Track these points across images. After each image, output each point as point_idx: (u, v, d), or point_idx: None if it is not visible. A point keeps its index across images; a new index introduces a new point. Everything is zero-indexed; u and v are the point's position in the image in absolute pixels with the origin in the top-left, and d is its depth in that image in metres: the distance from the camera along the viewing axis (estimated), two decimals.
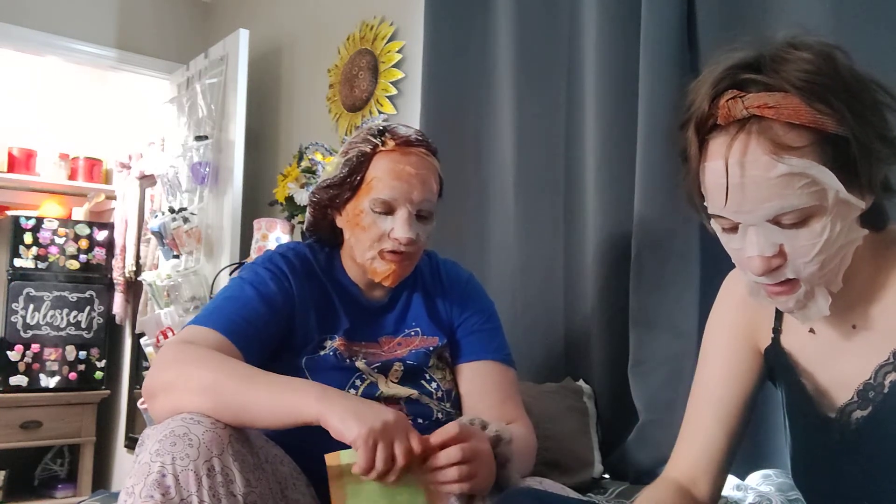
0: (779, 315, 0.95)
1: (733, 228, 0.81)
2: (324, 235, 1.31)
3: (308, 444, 1.03)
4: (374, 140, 1.21)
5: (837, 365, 0.87)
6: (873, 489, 0.81)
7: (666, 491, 0.97)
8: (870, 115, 0.77)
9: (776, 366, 0.95)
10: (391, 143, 1.20)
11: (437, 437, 0.95)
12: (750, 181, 0.76)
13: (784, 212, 0.76)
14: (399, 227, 1.19)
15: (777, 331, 0.95)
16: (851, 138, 0.76)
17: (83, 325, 3.77)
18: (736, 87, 0.79)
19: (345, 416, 0.90)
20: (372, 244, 1.21)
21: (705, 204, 0.83)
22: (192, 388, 0.99)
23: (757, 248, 0.79)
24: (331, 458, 0.92)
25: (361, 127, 1.38)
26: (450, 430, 0.95)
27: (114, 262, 3.82)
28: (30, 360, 3.58)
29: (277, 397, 0.96)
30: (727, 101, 0.78)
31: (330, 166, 1.27)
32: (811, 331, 0.90)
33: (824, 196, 0.76)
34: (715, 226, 0.85)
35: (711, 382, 1.00)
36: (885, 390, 0.80)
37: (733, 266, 0.96)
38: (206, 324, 1.12)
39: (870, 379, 0.82)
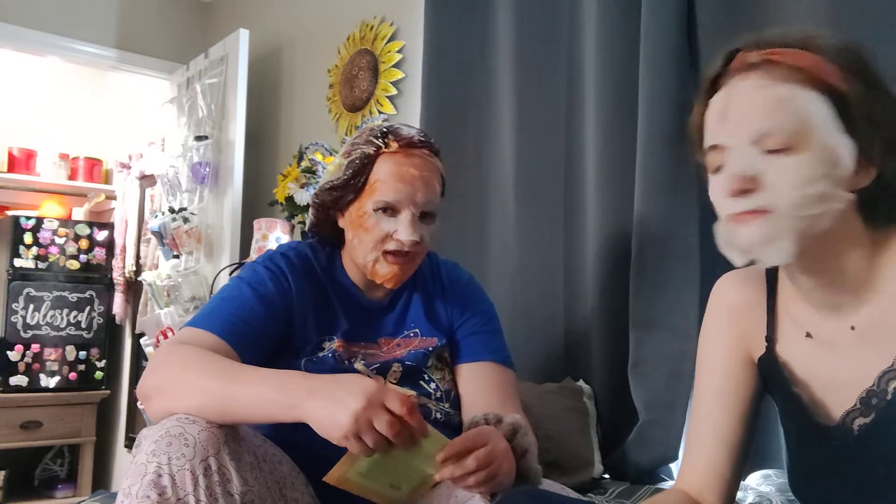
0: (771, 323, 0.93)
1: (720, 168, 0.83)
2: (325, 236, 1.31)
3: (305, 442, 1.02)
4: (377, 142, 1.20)
5: (837, 368, 0.85)
6: (874, 497, 0.80)
7: (677, 497, 0.97)
8: (886, 96, 0.80)
9: (770, 376, 0.94)
10: (394, 145, 1.19)
11: (453, 448, 0.94)
12: (744, 99, 0.80)
13: (767, 133, 0.78)
14: (403, 230, 1.18)
15: (770, 340, 0.93)
16: (853, 98, 0.78)
17: (83, 325, 3.76)
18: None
19: (321, 423, 0.90)
20: (375, 245, 1.20)
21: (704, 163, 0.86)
22: (180, 389, 0.99)
23: (737, 167, 0.80)
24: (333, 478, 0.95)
25: (362, 127, 1.37)
26: (465, 441, 0.95)
27: (114, 262, 3.81)
28: (30, 360, 3.58)
29: (258, 399, 0.95)
30: (742, 52, 0.83)
31: (332, 166, 1.26)
32: (808, 335, 0.89)
33: (809, 130, 0.77)
34: (709, 180, 0.86)
35: (706, 396, 0.99)
36: (889, 397, 0.79)
37: (732, 266, 0.95)
38: (202, 325, 1.11)
39: (873, 385, 0.80)
